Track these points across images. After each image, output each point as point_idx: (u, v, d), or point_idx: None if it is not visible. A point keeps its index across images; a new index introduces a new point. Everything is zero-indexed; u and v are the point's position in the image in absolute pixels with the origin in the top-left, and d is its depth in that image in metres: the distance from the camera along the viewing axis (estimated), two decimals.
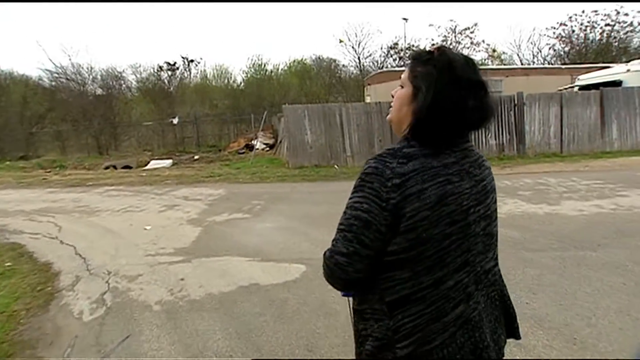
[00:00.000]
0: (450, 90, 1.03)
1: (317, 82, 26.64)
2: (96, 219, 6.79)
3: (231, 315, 3.27)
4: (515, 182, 8.11)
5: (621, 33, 24.62)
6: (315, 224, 5.82)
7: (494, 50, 26.11)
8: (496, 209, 1.18)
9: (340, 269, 1.05)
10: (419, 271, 1.02)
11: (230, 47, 48.99)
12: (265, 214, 6.64)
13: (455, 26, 28.74)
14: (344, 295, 1.18)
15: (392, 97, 1.17)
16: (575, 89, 13.54)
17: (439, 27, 40.72)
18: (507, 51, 29.01)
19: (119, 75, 25.20)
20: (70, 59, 28.85)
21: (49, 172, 16.49)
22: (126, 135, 24.49)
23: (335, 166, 11.31)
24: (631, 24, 24.17)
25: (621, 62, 16.91)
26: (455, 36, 24.39)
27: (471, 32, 24.64)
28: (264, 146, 20.01)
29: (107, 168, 17.44)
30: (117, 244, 5.39)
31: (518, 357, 2.51)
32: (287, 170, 11.26)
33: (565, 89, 14.22)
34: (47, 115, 26.99)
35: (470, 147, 1.13)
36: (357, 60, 25.58)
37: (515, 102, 11.53)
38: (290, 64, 30.24)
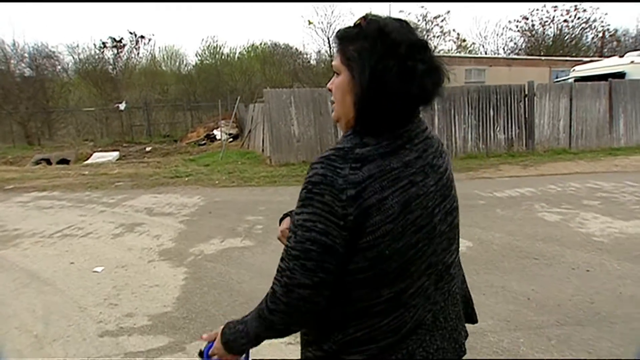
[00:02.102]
0: (389, 59, 0.84)
1: (280, 68, 24.29)
2: (13, 252, 4.40)
3: None
4: (562, 187, 6.60)
5: (577, 29, 24.64)
6: None
7: (463, 40, 25.15)
8: (456, 195, 1.00)
9: (308, 302, 0.85)
10: (378, 286, 0.86)
11: (180, 28, 44.90)
12: (275, 240, 4.58)
13: (427, 13, 27.48)
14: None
15: (330, 90, 0.96)
16: (570, 80, 12.50)
17: (409, 14, 39.19)
18: (474, 42, 28.33)
19: (52, 54, 21.35)
20: None
21: None
22: (62, 122, 20.85)
23: None
24: (587, 21, 24.21)
25: (572, 57, 16.34)
26: (425, 24, 22.98)
27: (442, 21, 23.37)
28: (227, 137, 17.56)
29: (38, 163, 14.24)
30: (46, 307, 3.14)
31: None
32: (271, 168, 9.12)
33: (562, 80, 13.18)
34: None
35: (429, 133, 0.96)
36: (328, 44, 23.51)
37: (526, 92, 10.15)
38: (249, 48, 27.63)
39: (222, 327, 0.99)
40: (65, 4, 39.86)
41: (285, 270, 0.86)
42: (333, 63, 0.94)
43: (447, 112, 9.85)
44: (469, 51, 25.16)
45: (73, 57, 23.24)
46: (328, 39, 23.04)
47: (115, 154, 15.14)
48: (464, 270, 1.10)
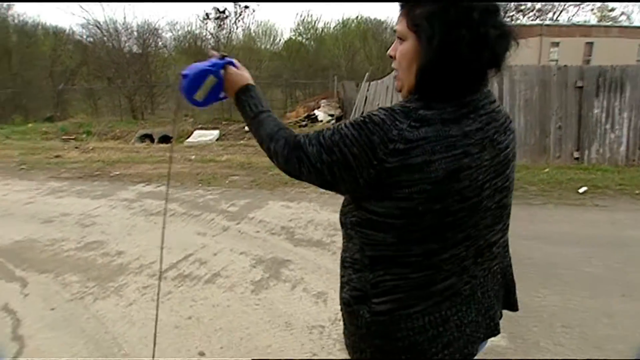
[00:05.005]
0: (462, 27, 0.77)
1: (382, 44, 21.65)
2: (112, 304, 2.75)
3: None
4: None
5: None
6: None
7: (610, 10, 20.33)
8: (514, 179, 0.97)
9: (299, 163, 0.89)
10: (409, 239, 0.84)
11: (270, 4, 43.58)
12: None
13: None
14: (194, 104, 1.00)
15: (392, 57, 0.90)
16: None
17: None
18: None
19: (155, 31, 20.88)
20: (105, 12, 24.64)
21: (70, 140, 12.67)
22: (163, 97, 20.46)
23: None
24: None
25: None
26: None
27: None
28: (329, 117, 15.68)
29: (142, 139, 13.52)
30: None
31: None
32: None
33: None
34: (78, 71, 23.13)
35: (497, 107, 0.91)
36: None
37: None
38: (344, 22, 25.24)
39: (248, 84, 1.04)
40: None
41: (310, 139, 0.88)
42: (397, 27, 0.88)
43: (612, 98, 6.77)
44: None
45: (172, 33, 22.77)
46: None
47: (216, 132, 13.98)
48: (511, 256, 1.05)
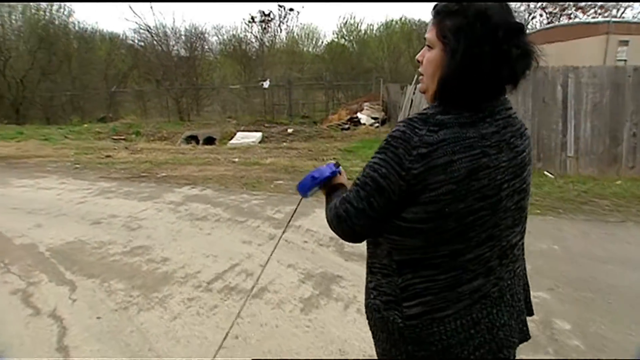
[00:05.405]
0: (486, 44, 0.83)
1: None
2: (155, 316, 2.63)
3: None
4: None
5: None
6: None
7: None
8: (531, 182, 1.00)
9: (348, 216, 0.95)
10: (435, 242, 0.88)
11: (314, 5, 43.72)
12: None
13: None
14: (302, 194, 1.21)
15: (419, 62, 0.95)
16: None
17: None
18: None
19: (201, 35, 21.37)
20: (155, 17, 25.59)
21: (120, 141, 13.12)
22: (208, 99, 20.88)
23: (547, 173, 6.40)
24: None
25: None
26: None
27: None
28: (372, 120, 15.31)
29: (188, 141, 13.78)
30: None
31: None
32: None
33: None
34: (130, 74, 24.14)
35: (513, 113, 0.96)
36: None
37: None
38: (388, 24, 24.70)
39: (338, 184, 1.17)
40: None
41: (349, 192, 0.97)
42: (427, 35, 0.93)
43: None
44: None
45: (218, 37, 23.22)
46: None
47: (259, 134, 13.99)
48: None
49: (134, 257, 3.58)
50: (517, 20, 0.87)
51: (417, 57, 0.96)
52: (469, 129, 0.85)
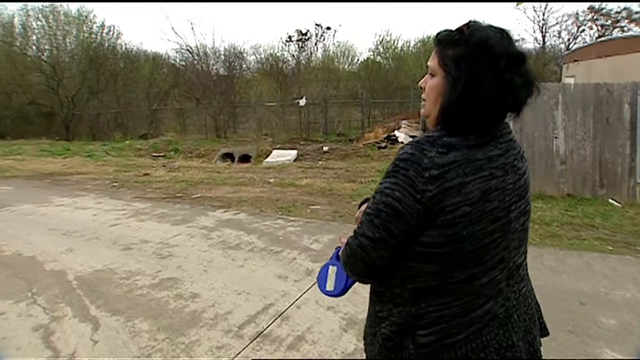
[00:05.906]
0: (488, 73, 0.84)
1: None
2: None
3: None
4: None
5: None
6: None
7: None
8: (530, 201, 1.00)
9: (364, 251, 0.90)
10: (452, 267, 0.87)
11: (351, 23, 43.89)
12: None
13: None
14: (330, 295, 1.12)
15: (422, 89, 0.97)
16: None
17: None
18: None
19: (240, 55, 21.78)
20: (196, 38, 26.48)
21: (159, 158, 13.32)
22: (245, 116, 21.10)
23: (613, 201, 5.72)
24: None
25: None
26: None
27: None
28: (410, 139, 14.83)
29: (224, 158, 13.83)
30: None
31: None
32: None
33: None
34: (171, 92, 24.95)
35: (513, 137, 0.97)
36: (540, 30, 18.62)
37: None
38: (424, 41, 24.23)
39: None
40: (247, 4, 42.63)
41: (360, 224, 0.92)
42: (429, 63, 0.94)
43: None
44: None
45: (256, 56, 23.60)
46: (542, 26, 18.16)
47: (294, 152, 13.82)
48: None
49: (162, 292, 3.33)
50: (519, 49, 0.87)
51: (419, 83, 0.96)
52: (477, 151, 0.86)
